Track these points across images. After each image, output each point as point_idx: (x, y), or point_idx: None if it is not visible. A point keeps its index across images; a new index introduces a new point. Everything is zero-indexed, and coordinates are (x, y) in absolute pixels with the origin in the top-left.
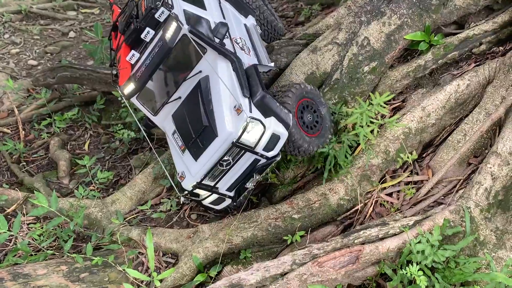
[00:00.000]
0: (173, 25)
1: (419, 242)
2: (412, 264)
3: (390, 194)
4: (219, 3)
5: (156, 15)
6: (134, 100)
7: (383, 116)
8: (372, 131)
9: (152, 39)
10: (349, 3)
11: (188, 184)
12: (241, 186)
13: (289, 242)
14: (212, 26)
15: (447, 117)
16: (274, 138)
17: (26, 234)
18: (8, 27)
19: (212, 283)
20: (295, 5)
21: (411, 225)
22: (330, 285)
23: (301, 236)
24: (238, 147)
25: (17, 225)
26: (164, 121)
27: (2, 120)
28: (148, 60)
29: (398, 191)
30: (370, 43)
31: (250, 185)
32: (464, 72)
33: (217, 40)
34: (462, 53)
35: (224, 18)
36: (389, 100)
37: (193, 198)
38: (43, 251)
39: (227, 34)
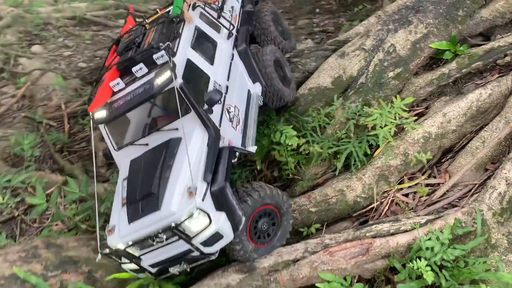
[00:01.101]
0: (167, 74)
1: (429, 239)
2: (420, 260)
3: (406, 195)
4: (232, 59)
5: (155, 56)
6: (101, 127)
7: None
8: (389, 131)
9: (142, 76)
10: (380, 13)
11: (112, 242)
12: (166, 267)
13: (304, 234)
14: (211, 85)
15: (468, 125)
16: (217, 236)
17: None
18: (62, 32)
19: None
20: (336, 20)
21: (423, 223)
22: (340, 274)
23: (317, 229)
24: (175, 232)
25: (54, 199)
26: (122, 161)
27: (50, 114)
28: (130, 96)
29: (415, 192)
30: (396, 50)
31: (174, 270)
32: (487, 82)
33: (205, 107)
34: (486, 64)
35: (228, 78)
36: (413, 106)
37: (113, 257)
38: (77, 228)
39: (220, 100)
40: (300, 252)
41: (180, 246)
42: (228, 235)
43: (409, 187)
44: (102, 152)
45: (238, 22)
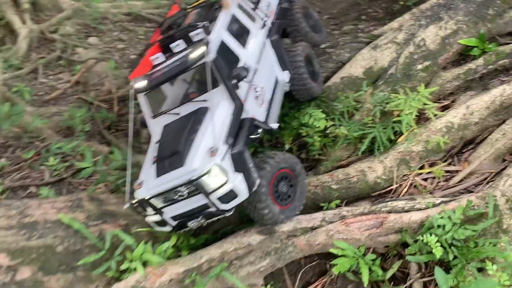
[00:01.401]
0: (201, 49)
1: (442, 218)
2: (431, 236)
3: (425, 180)
4: (264, 47)
5: (192, 34)
6: (141, 96)
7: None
8: (412, 116)
9: (180, 52)
10: (414, 10)
11: (140, 195)
12: (184, 221)
13: (324, 209)
14: (240, 65)
15: (490, 118)
16: (232, 194)
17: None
18: (118, 26)
19: None
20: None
21: (437, 203)
22: (354, 244)
23: (337, 205)
24: (195, 186)
25: (100, 164)
26: (155, 128)
27: (101, 97)
28: (167, 69)
29: (433, 178)
30: (426, 44)
31: (192, 224)
32: None
33: (233, 81)
34: None
35: (258, 62)
36: (439, 99)
37: (139, 209)
38: (118, 191)
39: (247, 77)
40: (318, 221)
41: (198, 201)
42: (243, 194)
43: (429, 172)
44: (139, 119)
45: (274, 16)
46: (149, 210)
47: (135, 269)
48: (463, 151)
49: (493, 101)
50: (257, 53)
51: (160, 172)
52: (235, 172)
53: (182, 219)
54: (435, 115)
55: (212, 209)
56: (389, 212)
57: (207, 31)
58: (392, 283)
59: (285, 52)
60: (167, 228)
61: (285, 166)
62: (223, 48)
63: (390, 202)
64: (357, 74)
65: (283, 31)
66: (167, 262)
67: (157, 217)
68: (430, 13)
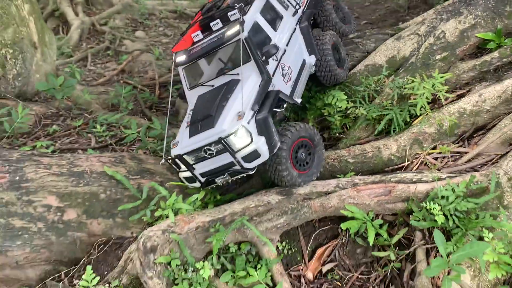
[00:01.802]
0: (236, 28)
1: (446, 189)
2: (435, 204)
3: (435, 159)
4: (293, 32)
5: (229, 14)
6: (180, 69)
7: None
8: (426, 98)
9: (217, 30)
10: (438, 6)
11: (174, 151)
12: (212, 177)
13: None
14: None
15: (502, 107)
16: (255, 154)
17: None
18: (163, 22)
19: None
20: None
21: (443, 178)
22: (363, 209)
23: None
24: (223, 145)
25: (142, 133)
26: (192, 98)
27: (144, 82)
28: (205, 44)
29: (444, 157)
30: (445, 36)
31: (219, 181)
32: None
33: (263, 58)
34: None
35: (287, 45)
36: (455, 89)
37: (174, 165)
38: (156, 155)
39: (276, 56)
40: (332, 186)
41: (225, 159)
42: (265, 155)
43: (439, 153)
44: (178, 92)
45: (305, 6)
46: (182, 167)
47: (167, 216)
48: (474, 136)
49: (505, 91)
50: (287, 36)
51: (193, 133)
52: (259, 135)
53: (210, 176)
54: (446, 98)
55: (237, 167)
56: (398, 182)
57: (243, 12)
58: (397, 248)
59: (313, 39)
60: (197, 184)
61: (305, 136)
62: (256, 28)
63: (399, 174)
64: (381, 62)
65: (314, 21)
66: (195, 212)
67: (188, 173)
68: (451, 8)
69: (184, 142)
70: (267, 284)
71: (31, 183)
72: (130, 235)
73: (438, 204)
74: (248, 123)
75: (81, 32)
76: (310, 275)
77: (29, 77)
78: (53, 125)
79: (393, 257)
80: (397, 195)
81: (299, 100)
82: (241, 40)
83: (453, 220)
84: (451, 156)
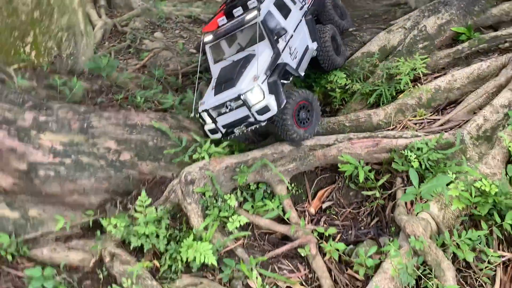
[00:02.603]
0: (254, 13)
1: (421, 143)
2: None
3: (415, 124)
4: (300, 21)
5: (248, 2)
6: (207, 47)
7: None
8: (409, 75)
9: (238, 16)
10: (422, 7)
11: (201, 107)
12: (231, 128)
13: None
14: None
15: (470, 86)
16: (266, 108)
17: None
18: (179, 26)
19: None
20: None
21: (419, 135)
22: (356, 158)
23: None
24: (241, 100)
25: (178, 101)
26: (215, 70)
27: (168, 73)
28: (228, 27)
29: (421, 123)
30: (426, 29)
31: (237, 131)
32: (489, 58)
33: (274, 37)
34: (490, 46)
35: (294, 31)
36: (434, 72)
37: (201, 119)
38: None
39: (285, 38)
40: (331, 140)
41: (242, 112)
42: (274, 109)
43: (418, 119)
44: (203, 67)
45: (310, 3)
46: (208, 121)
47: (203, 158)
48: (447, 108)
49: (472, 72)
50: (294, 25)
51: (217, 92)
52: (270, 94)
53: (230, 127)
54: (426, 78)
55: (251, 119)
56: (384, 137)
57: (260, 1)
58: (382, 189)
59: (315, 29)
60: (218, 135)
61: (305, 98)
62: (270, 16)
63: (385, 131)
64: (374, 50)
65: (316, 18)
66: (225, 156)
67: (212, 126)
68: (432, 7)
69: (210, 100)
70: (279, 214)
71: (95, 129)
72: (171, 175)
73: (414, 153)
74: (262, 83)
75: (103, 32)
76: (312, 211)
77: (78, 58)
78: (98, 98)
79: (378, 195)
80: (382, 146)
81: (302, 73)
82: (257, 22)
83: (426, 166)
84: (427, 122)
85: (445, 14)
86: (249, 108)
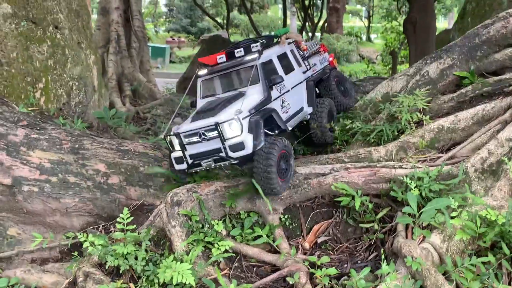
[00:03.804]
0: (254, 55)
1: (422, 173)
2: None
3: (417, 161)
4: (300, 83)
5: (252, 45)
6: (199, 81)
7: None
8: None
9: (239, 56)
10: (426, 57)
11: (173, 130)
12: (198, 160)
13: None
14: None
15: (475, 127)
16: (241, 145)
17: None
18: None
19: None
20: None
21: (420, 167)
22: (353, 187)
23: None
24: (217, 129)
25: None
26: (201, 104)
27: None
28: (225, 65)
29: (424, 161)
30: (429, 74)
31: (204, 164)
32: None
33: (269, 83)
34: (495, 89)
35: (292, 88)
36: (438, 116)
37: (169, 144)
38: None
39: (280, 89)
40: (328, 169)
41: (215, 144)
42: (249, 149)
43: (420, 158)
44: (191, 102)
45: (315, 73)
46: (175, 147)
47: (195, 181)
48: (451, 149)
49: (476, 113)
50: (293, 83)
51: (194, 119)
52: (248, 132)
53: (197, 158)
54: (428, 122)
55: (223, 154)
56: (382, 167)
57: (262, 47)
58: (381, 223)
59: (314, 95)
60: (183, 166)
61: (284, 147)
62: (269, 64)
63: (384, 162)
64: (377, 97)
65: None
66: (215, 179)
67: (179, 154)
68: (434, 55)
69: (185, 126)
70: (270, 244)
71: (87, 151)
72: (159, 203)
73: (414, 182)
74: (242, 119)
75: (126, 118)
76: (306, 245)
77: (87, 108)
78: None
79: (376, 227)
80: (381, 176)
81: (289, 128)
82: (256, 65)
83: (427, 196)
84: (430, 159)
85: (447, 60)
86: (222, 140)
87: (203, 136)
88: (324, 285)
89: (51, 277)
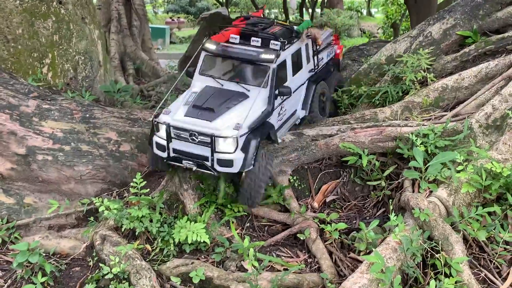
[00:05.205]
0: (271, 56)
1: (427, 130)
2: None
3: (422, 120)
4: (303, 84)
5: (272, 41)
6: (203, 53)
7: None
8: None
9: (254, 46)
10: (429, 18)
11: (165, 118)
12: (181, 158)
13: None
14: (285, 85)
15: (478, 85)
16: (229, 163)
17: None
18: None
19: None
20: None
21: (425, 125)
22: (360, 147)
23: None
24: (210, 140)
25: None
26: (197, 82)
27: None
28: (238, 51)
29: (429, 119)
30: (432, 35)
31: (185, 164)
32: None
33: (276, 91)
34: (497, 47)
35: (294, 91)
36: (442, 77)
37: (155, 126)
38: None
39: (282, 97)
40: (334, 130)
41: (203, 151)
42: (236, 168)
43: (424, 116)
44: (186, 70)
45: (320, 69)
46: (161, 134)
47: None
48: (455, 107)
49: (480, 71)
50: (297, 84)
51: (190, 114)
52: (241, 150)
53: (182, 155)
54: (432, 80)
55: (208, 163)
56: (388, 126)
57: (282, 48)
58: (388, 180)
59: (311, 98)
60: (164, 154)
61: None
62: (282, 65)
63: (389, 121)
64: (381, 60)
65: None
66: None
67: (163, 142)
68: (437, 15)
69: (177, 115)
70: (280, 204)
71: (97, 120)
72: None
73: (420, 139)
74: (240, 136)
75: (130, 96)
76: (315, 205)
77: (93, 82)
78: None
79: (383, 184)
80: (387, 134)
81: (279, 140)
82: (271, 67)
83: (432, 152)
84: (435, 118)
85: (449, 20)
86: (212, 151)
87: (193, 137)
88: (334, 239)
89: (69, 242)
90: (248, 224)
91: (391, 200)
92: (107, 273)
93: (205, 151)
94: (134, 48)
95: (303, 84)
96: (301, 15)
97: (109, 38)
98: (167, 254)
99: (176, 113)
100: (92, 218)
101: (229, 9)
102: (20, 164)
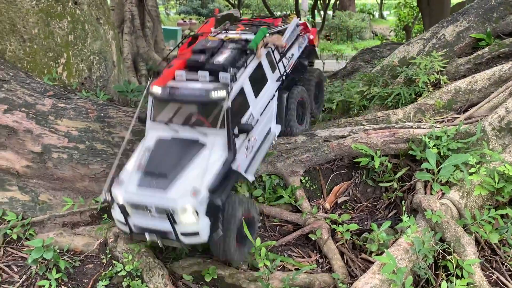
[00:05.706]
0: (222, 93)
1: (439, 132)
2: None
3: (435, 122)
4: (271, 99)
5: (221, 75)
6: (150, 98)
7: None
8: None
9: (202, 82)
10: (442, 20)
11: (115, 192)
12: (142, 232)
13: None
14: (248, 114)
15: (491, 88)
16: (194, 233)
17: None
18: None
19: None
20: None
21: (438, 127)
22: (372, 148)
23: None
24: (167, 215)
25: None
26: (151, 131)
27: None
28: (186, 91)
29: (442, 121)
30: (445, 37)
31: (149, 237)
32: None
33: (236, 132)
34: (511, 50)
35: (261, 114)
36: (455, 79)
37: (107, 202)
38: None
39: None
40: (347, 132)
41: (164, 225)
42: (204, 237)
43: (437, 118)
44: (139, 115)
45: (291, 68)
46: (116, 209)
47: None
48: (468, 110)
49: (493, 74)
50: (264, 105)
51: (143, 184)
52: (205, 216)
53: (144, 230)
54: (446, 83)
55: (172, 236)
56: (401, 127)
57: (233, 79)
58: (400, 182)
59: (284, 110)
60: (126, 229)
61: (247, 213)
62: (239, 95)
63: (402, 123)
64: (394, 62)
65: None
66: None
67: (121, 217)
68: (451, 18)
69: (130, 187)
70: (291, 204)
71: (112, 119)
72: None
73: (433, 141)
74: (200, 203)
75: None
76: (327, 206)
77: (107, 82)
78: None
79: (396, 186)
80: (399, 136)
81: (252, 178)
82: (223, 107)
83: (445, 154)
84: (447, 120)
85: (463, 22)
86: (173, 226)
87: (149, 210)
88: (346, 240)
89: (83, 239)
90: (259, 224)
91: (403, 201)
92: (120, 270)
93: (165, 225)
94: (147, 49)
95: (272, 99)
96: (313, 17)
97: (122, 39)
98: (179, 253)
99: (128, 184)
100: (105, 216)
101: (241, 11)
102: (36, 162)
